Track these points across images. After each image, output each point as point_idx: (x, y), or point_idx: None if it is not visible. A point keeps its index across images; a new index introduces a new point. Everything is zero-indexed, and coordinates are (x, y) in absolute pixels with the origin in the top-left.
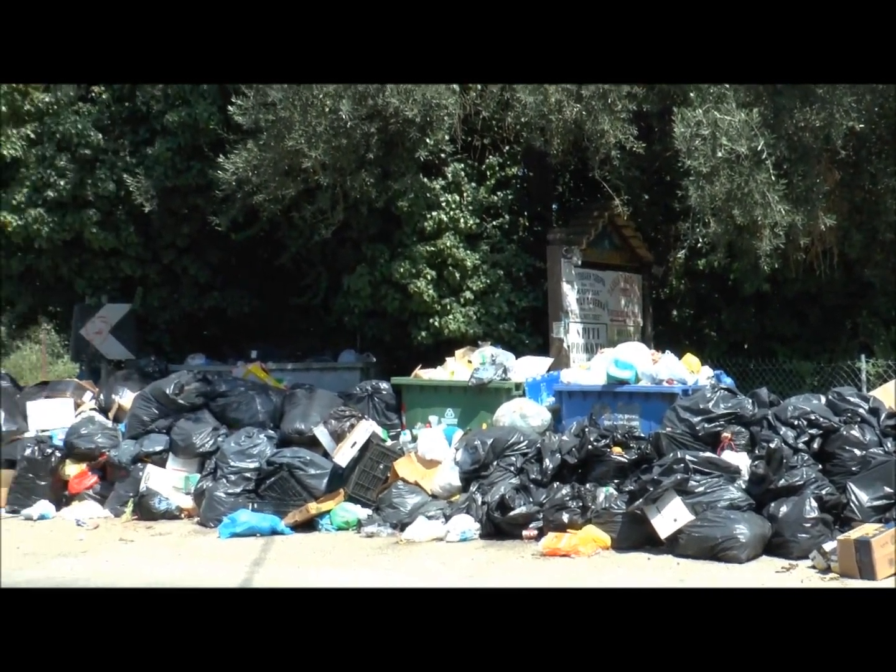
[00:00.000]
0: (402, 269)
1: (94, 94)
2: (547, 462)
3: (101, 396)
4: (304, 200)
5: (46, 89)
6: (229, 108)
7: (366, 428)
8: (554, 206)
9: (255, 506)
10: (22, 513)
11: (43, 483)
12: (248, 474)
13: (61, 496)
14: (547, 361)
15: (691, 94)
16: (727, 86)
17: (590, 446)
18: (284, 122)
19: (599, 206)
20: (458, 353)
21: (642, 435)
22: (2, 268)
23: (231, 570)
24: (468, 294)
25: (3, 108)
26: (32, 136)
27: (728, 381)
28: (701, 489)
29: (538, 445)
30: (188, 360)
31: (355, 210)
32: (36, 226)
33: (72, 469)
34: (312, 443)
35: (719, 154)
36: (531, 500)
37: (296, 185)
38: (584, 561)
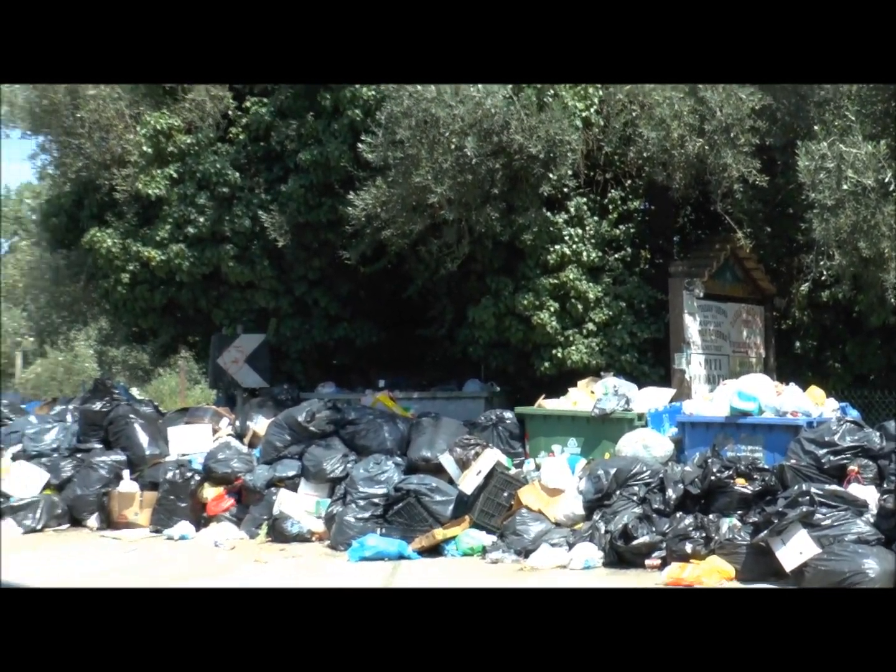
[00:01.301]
0: (525, 301)
1: (231, 135)
2: (670, 492)
3: (237, 423)
4: (430, 235)
5: (188, 131)
6: (359, 146)
7: (490, 456)
8: (675, 238)
9: (383, 530)
10: (164, 533)
11: (183, 505)
12: (376, 500)
13: (200, 517)
14: (669, 392)
15: (815, 128)
16: (853, 118)
17: (713, 477)
18: (412, 159)
19: (721, 239)
20: (581, 383)
21: (766, 467)
22: (146, 300)
23: None
24: (590, 325)
25: (149, 150)
26: (175, 175)
27: (854, 413)
28: (827, 522)
29: (661, 475)
30: (319, 389)
31: (480, 244)
32: (177, 260)
33: (210, 492)
34: (438, 470)
35: (845, 187)
36: (654, 529)
37: (422, 220)
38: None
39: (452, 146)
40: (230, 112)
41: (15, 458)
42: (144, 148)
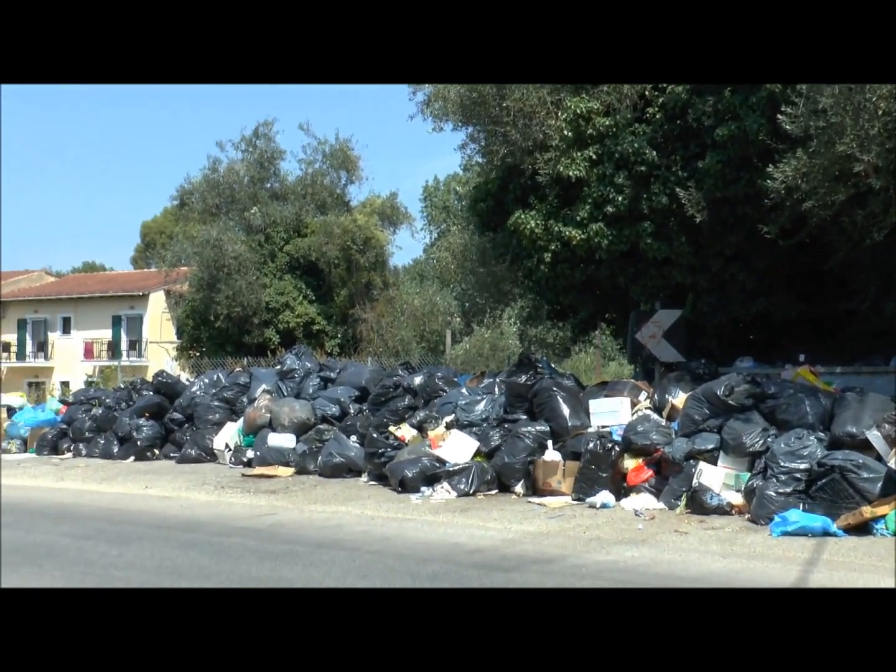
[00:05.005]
0: None
1: (648, 115)
2: None
3: (655, 396)
4: (854, 205)
5: (606, 114)
6: (779, 117)
7: None
8: None
9: (806, 506)
10: (586, 501)
11: (604, 475)
12: (798, 475)
13: (620, 487)
14: None
15: None
16: None
17: None
18: (835, 127)
19: None
20: None
21: None
22: (567, 278)
23: (782, 569)
24: None
25: (570, 134)
26: (594, 157)
27: None
28: None
29: None
30: (736, 363)
31: None
32: (597, 239)
33: (629, 463)
34: (864, 446)
35: None
36: None
37: (846, 190)
38: None
39: (880, 112)
40: (647, 93)
41: (448, 426)
42: (565, 132)
